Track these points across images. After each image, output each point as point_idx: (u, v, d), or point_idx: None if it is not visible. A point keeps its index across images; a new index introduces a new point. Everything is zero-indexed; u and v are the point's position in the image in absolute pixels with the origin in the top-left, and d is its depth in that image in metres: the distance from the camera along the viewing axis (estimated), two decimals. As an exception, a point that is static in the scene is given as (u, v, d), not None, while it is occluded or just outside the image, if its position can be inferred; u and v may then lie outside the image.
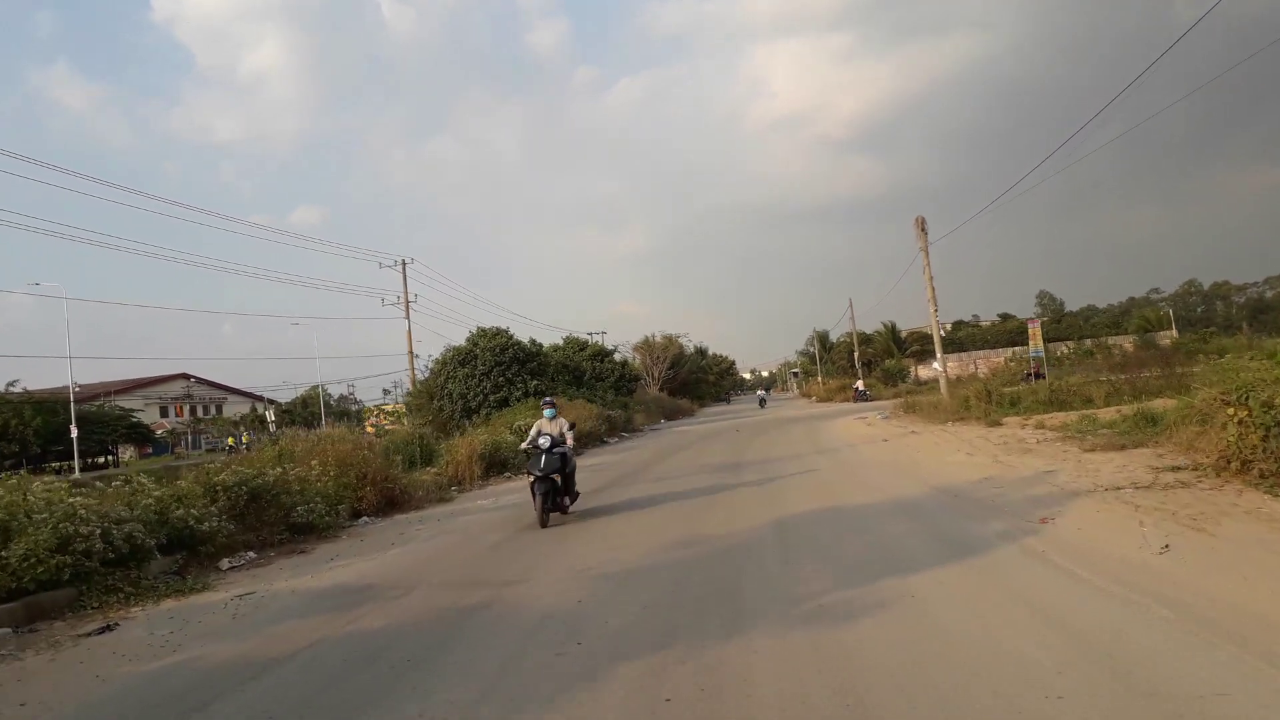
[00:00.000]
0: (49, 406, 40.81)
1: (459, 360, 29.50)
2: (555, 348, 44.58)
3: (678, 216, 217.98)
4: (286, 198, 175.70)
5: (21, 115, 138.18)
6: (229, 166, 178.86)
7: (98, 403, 55.45)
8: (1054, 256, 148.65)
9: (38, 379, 79.19)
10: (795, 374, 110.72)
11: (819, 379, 76.97)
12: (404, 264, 39.38)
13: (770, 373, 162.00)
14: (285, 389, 73.79)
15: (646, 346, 74.61)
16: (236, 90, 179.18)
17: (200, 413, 77.82)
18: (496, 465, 18.26)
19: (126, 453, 54.88)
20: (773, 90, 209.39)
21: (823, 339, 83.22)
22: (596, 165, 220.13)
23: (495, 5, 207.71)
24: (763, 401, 59.75)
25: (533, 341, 35.79)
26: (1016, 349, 70.91)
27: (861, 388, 47.94)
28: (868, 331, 69.92)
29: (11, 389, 40.45)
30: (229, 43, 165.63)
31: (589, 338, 48.82)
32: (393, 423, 39.69)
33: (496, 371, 28.74)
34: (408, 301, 39.30)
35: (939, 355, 27.93)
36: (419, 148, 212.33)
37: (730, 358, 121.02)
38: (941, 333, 27.88)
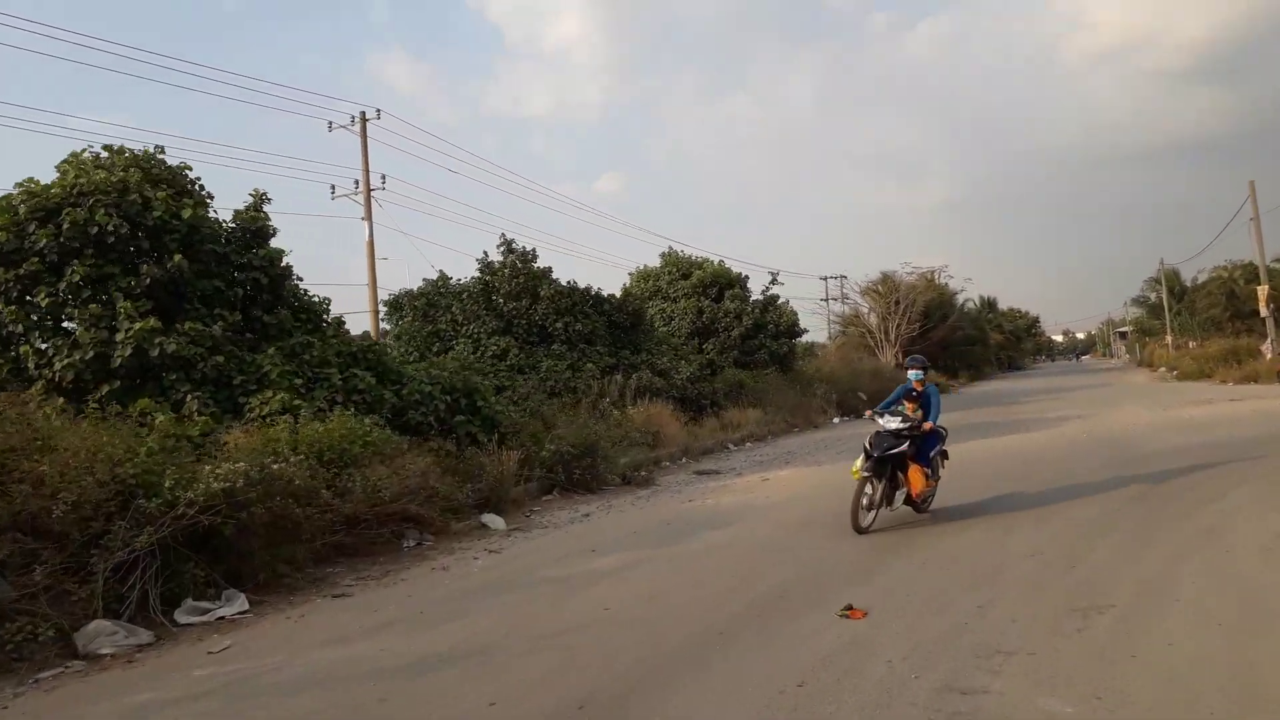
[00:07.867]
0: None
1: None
2: (644, 275, 26.08)
3: (983, 164, 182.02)
4: (592, 166, 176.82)
5: (366, 97, 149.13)
6: (539, 139, 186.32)
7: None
8: None
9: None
10: (1122, 334, 77.36)
11: (1168, 338, 47.77)
12: (363, 119, 23.19)
13: (1089, 334, 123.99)
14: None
15: (884, 288, 47.64)
16: (543, 62, 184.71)
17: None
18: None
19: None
20: (1091, 20, 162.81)
21: (1171, 280, 52.23)
22: (893, 114, 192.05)
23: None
24: None
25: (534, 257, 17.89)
26: None
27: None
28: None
29: None
30: (533, 16, 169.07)
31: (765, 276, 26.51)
32: None
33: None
34: (368, 188, 23.22)
35: None
36: (713, 108, 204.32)
37: (1032, 314, 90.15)
38: None
